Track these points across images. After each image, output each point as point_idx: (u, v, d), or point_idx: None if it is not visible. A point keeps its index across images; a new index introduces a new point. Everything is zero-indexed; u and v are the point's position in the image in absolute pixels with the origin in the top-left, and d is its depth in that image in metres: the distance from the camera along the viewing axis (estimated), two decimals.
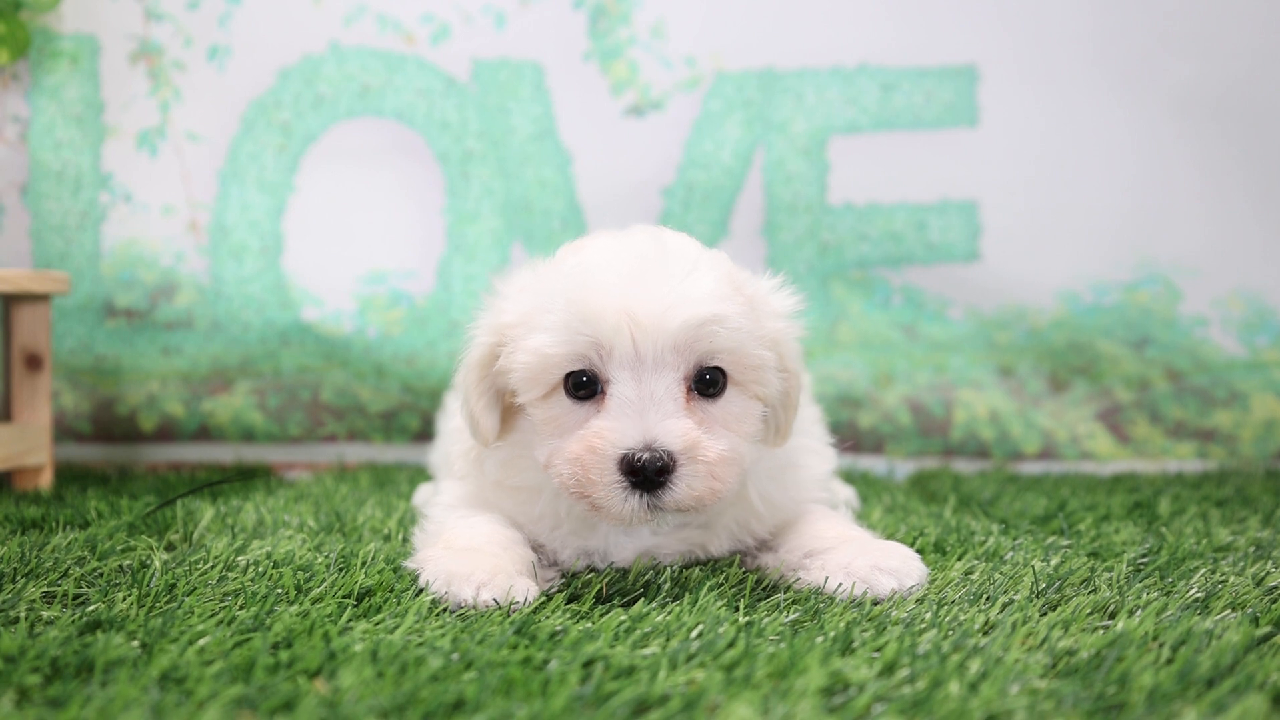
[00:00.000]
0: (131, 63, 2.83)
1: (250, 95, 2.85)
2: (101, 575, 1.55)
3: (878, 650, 1.20)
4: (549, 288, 1.52)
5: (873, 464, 2.91)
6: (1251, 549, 1.76)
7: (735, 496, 1.61)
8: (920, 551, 1.67)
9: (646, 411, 1.45)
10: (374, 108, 2.88)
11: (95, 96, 2.82)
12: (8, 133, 2.81)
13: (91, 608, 1.37)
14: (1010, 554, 1.71)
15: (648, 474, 1.43)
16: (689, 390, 1.50)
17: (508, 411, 1.63)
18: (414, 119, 2.88)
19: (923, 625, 1.30)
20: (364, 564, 1.61)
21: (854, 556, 1.52)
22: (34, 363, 2.42)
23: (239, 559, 1.64)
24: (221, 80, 2.85)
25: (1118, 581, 1.53)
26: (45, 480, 2.41)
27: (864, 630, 1.29)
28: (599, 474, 1.45)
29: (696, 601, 1.42)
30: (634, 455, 1.43)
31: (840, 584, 1.48)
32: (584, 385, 1.50)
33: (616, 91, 2.88)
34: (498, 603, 1.41)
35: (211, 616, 1.33)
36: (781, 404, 1.60)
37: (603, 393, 1.49)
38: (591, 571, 1.60)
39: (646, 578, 1.54)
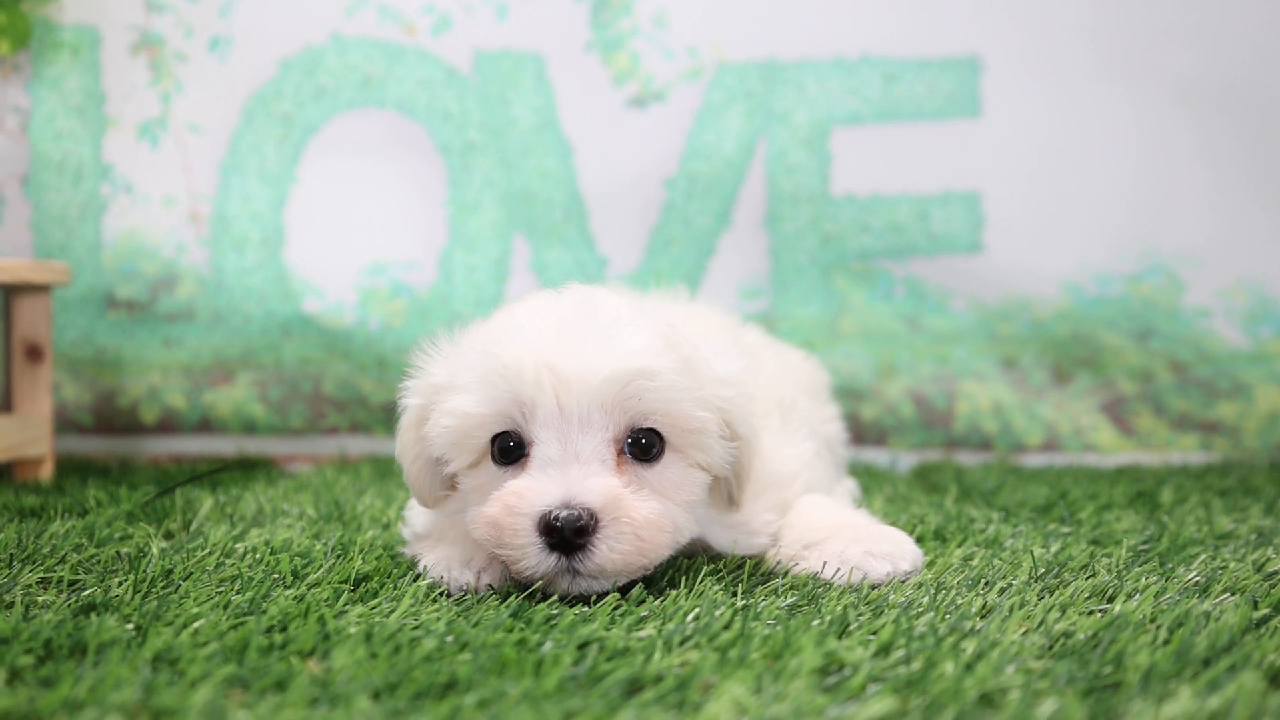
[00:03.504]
0: (132, 54, 2.83)
1: (251, 86, 2.85)
2: (98, 561, 1.55)
3: (874, 632, 1.20)
4: (472, 346, 1.44)
5: (875, 456, 2.90)
6: (1253, 536, 1.75)
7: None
8: (920, 539, 1.66)
9: (569, 468, 1.36)
10: (375, 99, 2.87)
11: (96, 87, 2.82)
12: (9, 124, 2.81)
13: (87, 592, 1.37)
14: (1010, 541, 1.70)
15: (565, 535, 1.33)
16: (620, 453, 1.40)
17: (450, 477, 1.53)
18: (415, 110, 2.88)
19: (920, 609, 1.29)
20: (362, 551, 1.61)
21: (848, 544, 1.51)
22: (34, 354, 2.43)
23: (237, 546, 1.64)
24: (222, 71, 2.85)
25: (1117, 566, 1.52)
26: (46, 471, 2.41)
27: (861, 613, 1.28)
28: (514, 535, 1.35)
29: (694, 586, 1.42)
30: (551, 514, 1.33)
31: (838, 569, 1.48)
32: (510, 450, 1.41)
33: (618, 82, 2.87)
34: (493, 588, 1.41)
35: (207, 600, 1.33)
36: (734, 472, 1.51)
37: (527, 455, 1.40)
38: None
39: None
